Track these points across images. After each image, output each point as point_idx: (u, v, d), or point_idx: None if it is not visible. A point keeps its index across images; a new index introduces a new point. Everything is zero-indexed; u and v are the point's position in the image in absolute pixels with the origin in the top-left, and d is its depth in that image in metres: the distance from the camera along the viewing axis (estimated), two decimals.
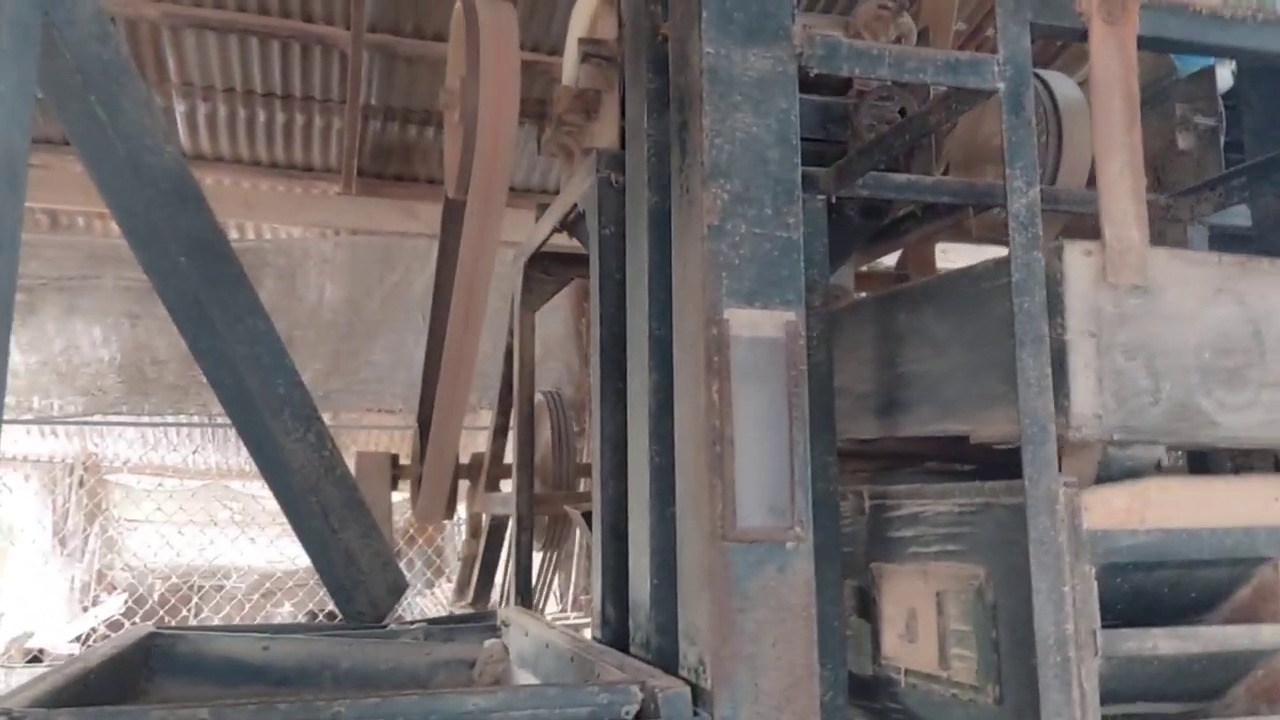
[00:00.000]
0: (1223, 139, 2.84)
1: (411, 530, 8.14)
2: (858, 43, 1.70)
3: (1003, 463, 2.60)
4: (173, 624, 7.77)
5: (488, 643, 2.41)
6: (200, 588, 8.89)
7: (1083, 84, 2.95)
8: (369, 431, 7.37)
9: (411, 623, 2.55)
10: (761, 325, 1.58)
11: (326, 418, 6.78)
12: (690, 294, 1.65)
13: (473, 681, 2.39)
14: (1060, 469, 1.70)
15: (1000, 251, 3.11)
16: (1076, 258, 1.73)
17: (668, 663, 1.71)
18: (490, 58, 2.39)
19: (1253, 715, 1.75)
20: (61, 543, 9.18)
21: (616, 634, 2.02)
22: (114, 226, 6.47)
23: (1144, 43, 1.87)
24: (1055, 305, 1.73)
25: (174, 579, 8.47)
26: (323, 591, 8.54)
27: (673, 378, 1.79)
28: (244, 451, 8.26)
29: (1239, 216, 2.61)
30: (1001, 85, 1.75)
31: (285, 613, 8.12)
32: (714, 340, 1.57)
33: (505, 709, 1.46)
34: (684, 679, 1.60)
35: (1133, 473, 1.75)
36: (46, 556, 9.23)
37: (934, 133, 2.42)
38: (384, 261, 6.59)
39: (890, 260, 3.89)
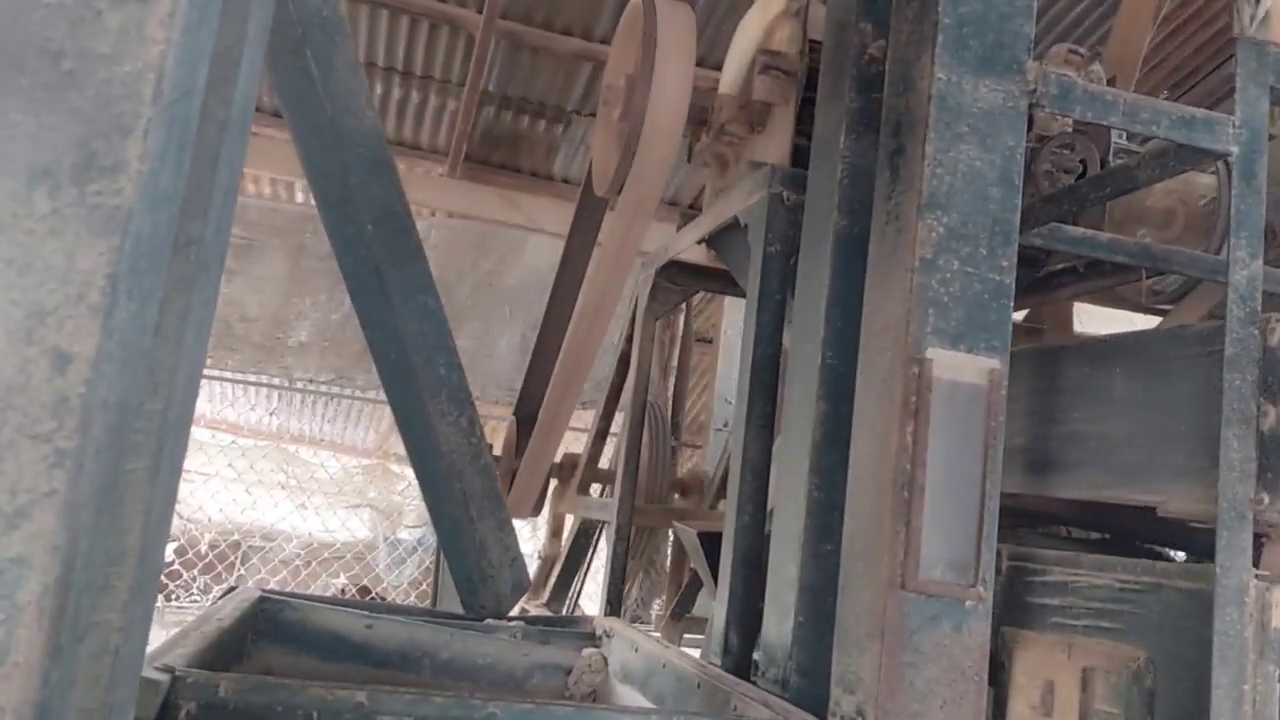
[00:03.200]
0: None
1: None
2: (1093, 86, 1.62)
3: (1134, 535, 2.49)
4: (228, 577, 7.85)
5: (586, 651, 2.35)
6: (257, 547, 8.98)
7: None
8: None
9: (510, 620, 2.50)
10: (964, 370, 1.51)
11: None
12: (888, 328, 1.58)
13: (568, 688, 2.33)
14: (1262, 558, 1.61)
15: (1149, 319, 2.99)
16: None
17: (809, 706, 1.63)
18: (666, 58, 2.34)
19: None
20: None
21: (738, 664, 1.95)
22: None
23: None
24: (1271, 384, 1.63)
25: (235, 536, 8.55)
26: (379, 568, 8.57)
27: (844, 410, 1.72)
28: (317, 418, 8.29)
29: None
30: (1235, 149, 1.66)
31: (338, 584, 8.17)
32: (913, 380, 1.49)
33: None
34: None
35: None
36: None
37: (1137, 187, 2.32)
38: (478, 248, 6.60)
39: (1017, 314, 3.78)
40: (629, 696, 2.19)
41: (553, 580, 3.69)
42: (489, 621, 2.46)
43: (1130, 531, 2.42)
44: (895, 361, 1.53)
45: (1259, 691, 1.56)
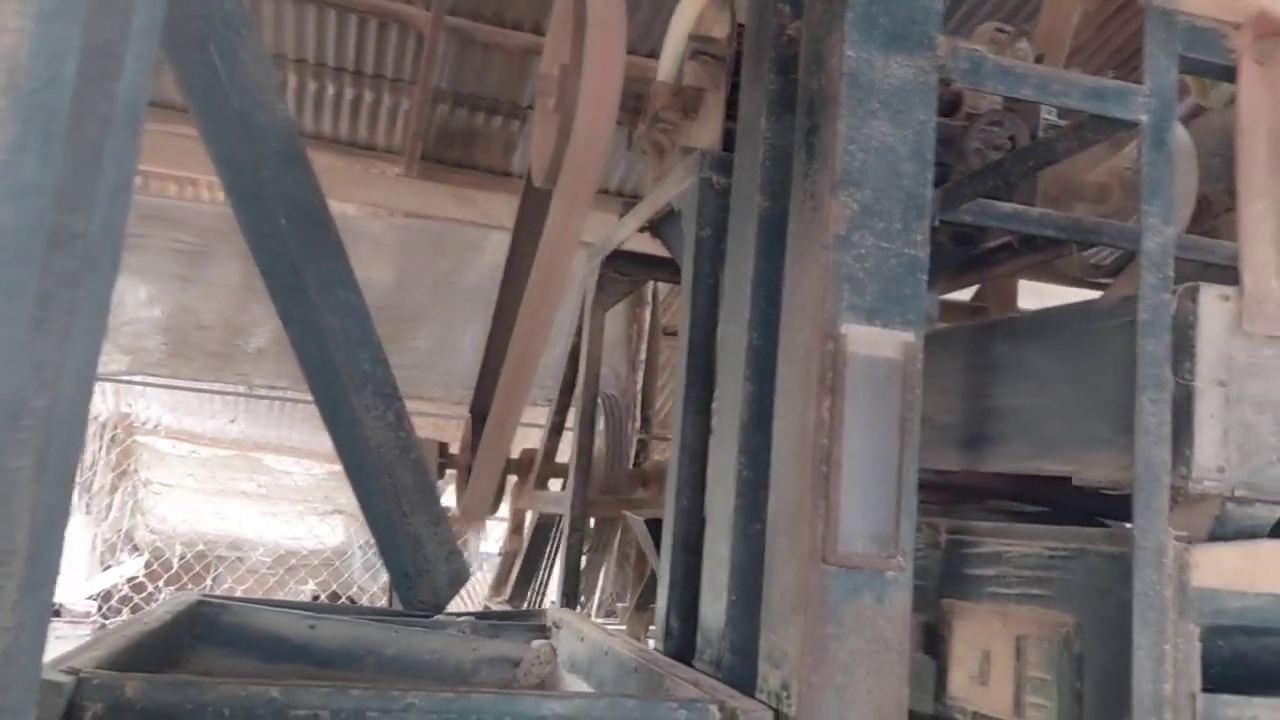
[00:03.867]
0: None
1: None
2: (1003, 59, 1.63)
3: (1076, 507, 2.51)
4: (193, 589, 7.78)
5: (535, 643, 2.35)
6: (223, 557, 8.92)
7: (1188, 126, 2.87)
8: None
9: (458, 615, 2.49)
10: (880, 344, 1.52)
11: None
12: (805, 306, 1.59)
13: (516, 680, 2.33)
14: (1175, 522, 1.63)
15: (1093, 294, 3.01)
16: (1212, 302, 1.65)
17: (740, 684, 1.64)
18: (597, 47, 2.33)
19: None
20: (87, 499, 9.23)
21: (680, 648, 1.96)
22: (168, 187, 6.50)
23: None
24: (1185, 350, 1.65)
25: (200, 546, 8.49)
26: (348, 573, 8.54)
27: (769, 390, 1.72)
28: (279, 425, 8.25)
29: None
30: (1145, 118, 1.68)
31: (307, 590, 8.11)
32: (829, 356, 1.50)
33: (582, 716, 1.39)
34: (762, 702, 1.53)
35: (1249, 532, 1.66)
36: (72, 511, 9.28)
37: (1056, 159, 2.34)
38: (436, 247, 6.56)
39: (965, 293, 3.81)
40: (575, 686, 2.19)
41: (514, 576, 3.69)
42: (438, 617, 2.46)
43: (1073, 504, 2.44)
44: (812, 339, 1.54)
45: (1180, 650, 1.58)
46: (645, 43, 5.32)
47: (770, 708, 1.50)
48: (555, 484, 3.58)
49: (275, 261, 1.61)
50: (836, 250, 1.53)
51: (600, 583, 5.04)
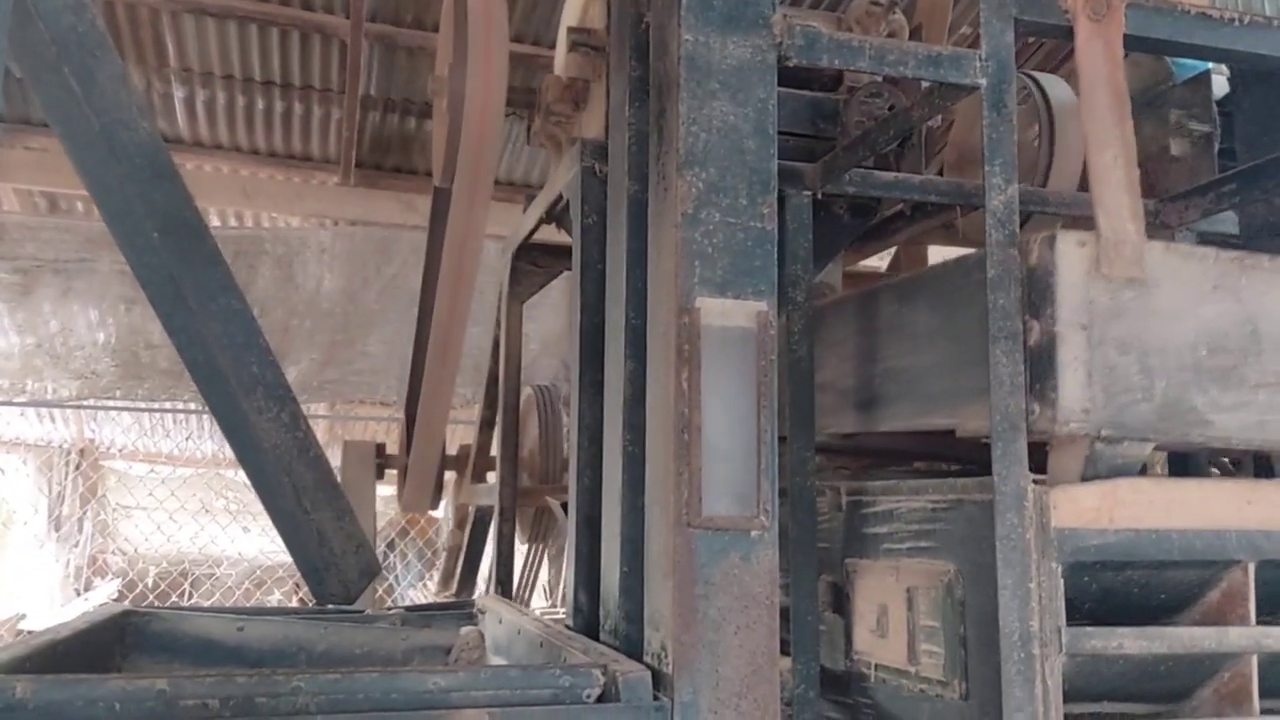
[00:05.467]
0: (1217, 146, 2.84)
1: (404, 523, 8.15)
2: (838, 34, 1.70)
3: (979, 462, 2.60)
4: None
5: (464, 629, 2.41)
6: (193, 575, 8.92)
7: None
8: (364, 423, 7.37)
9: (389, 609, 2.55)
10: (733, 315, 1.58)
11: (322, 408, 6.73)
12: (664, 282, 1.65)
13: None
14: (1048, 465, 1.70)
15: None
16: (1070, 248, 1.72)
17: (634, 649, 1.71)
18: (478, 43, 2.39)
19: (1219, 718, 1.75)
20: (56, 526, 9.20)
21: (588, 622, 2.02)
22: None
23: (1130, 42, 1.86)
24: (1046, 296, 1.71)
25: (166, 565, 8.50)
26: None
27: (647, 367, 1.79)
28: None
29: (1227, 224, 2.61)
30: (983, 81, 1.75)
31: (275, 601, 8.13)
32: (685, 329, 1.57)
33: (466, 688, 1.45)
34: (647, 664, 1.59)
35: (1120, 470, 1.74)
36: (41, 540, 9.26)
37: (917, 129, 2.42)
38: (381, 253, 6.59)
39: (881, 264, 3.90)
40: None
41: (459, 571, 3.75)
42: (369, 612, 2.52)
43: (977, 459, 2.52)
44: (670, 314, 1.60)
45: (1044, 588, 1.66)
46: (548, 33, 5.38)
47: (651, 668, 1.56)
48: (493, 477, 3.63)
49: (152, 274, 1.66)
50: (685, 228, 1.59)
51: (543, 573, 5.11)
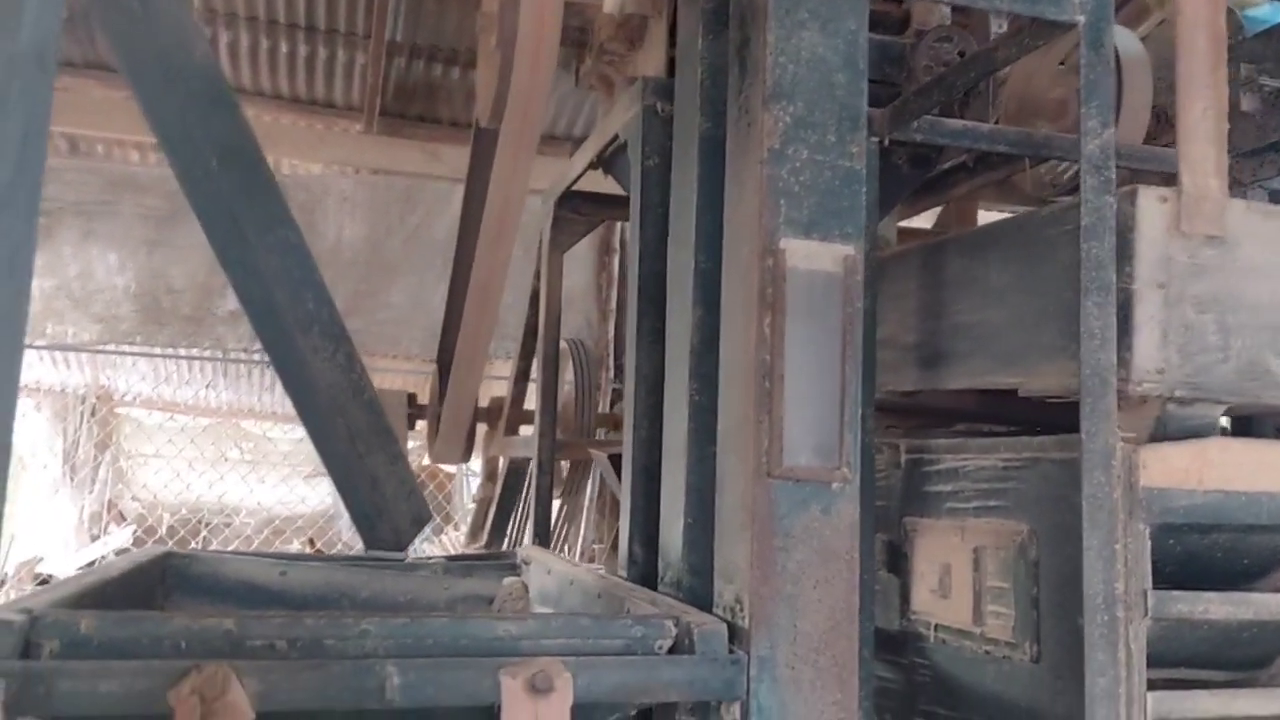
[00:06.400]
0: None
1: (422, 475, 8.14)
2: None
3: (1044, 425, 2.54)
4: None
5: (507, 580, 2.36)
6: (209, 523, 8.93)
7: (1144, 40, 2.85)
8: (385, 374, 7.32)
9: (430, 558, 2.51)
10: (819, 258, 1.51)
11: None
12: (745, 223, 1.58)
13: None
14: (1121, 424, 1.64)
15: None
16: (1151, 204, 1.66)
17: (700, 603, 1.66)
18: None
19: None
20: (72, 472, 9.21)
21: (644, 574, 1.97)
22: (133, 154, 6.41)
23: None
24: (1125, 253, 1.65)
25: (184, 513, 8.50)
26: (331, 532, 8.57)
27: (718, 313, 1.72)
28: (257, 389, 8.23)
29: None
30: (1082, 18, 1.66)
31: (293, 549, 8.15)
32: (769, 272, 1.50)
33: (536, 636, 1.41)
34: (719, 617, 1.54)
35: (1194, 432, 1.68)
36: (57, 485, 9.28)
37: (998, 72, 2.32)
38: (405, 202, 6.51)
39: (926, 222, 3.80)
40: None
41: (489, 523, 3.71)
42: (410, 560, 2.47)
43: (1040, 420, 2.46)
44: (751, 256, 1.53)
45: (1130, 550, 1.61)
46: None
47: (725, 621, 1.51)
48: (527, 430, 3.58)
49: (210, 204, 1.59)
50: (771, 165, 1.52)
51: (581, 529, 5.08)
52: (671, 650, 1.46)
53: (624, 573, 2.03)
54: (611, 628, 1.45)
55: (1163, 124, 2.87)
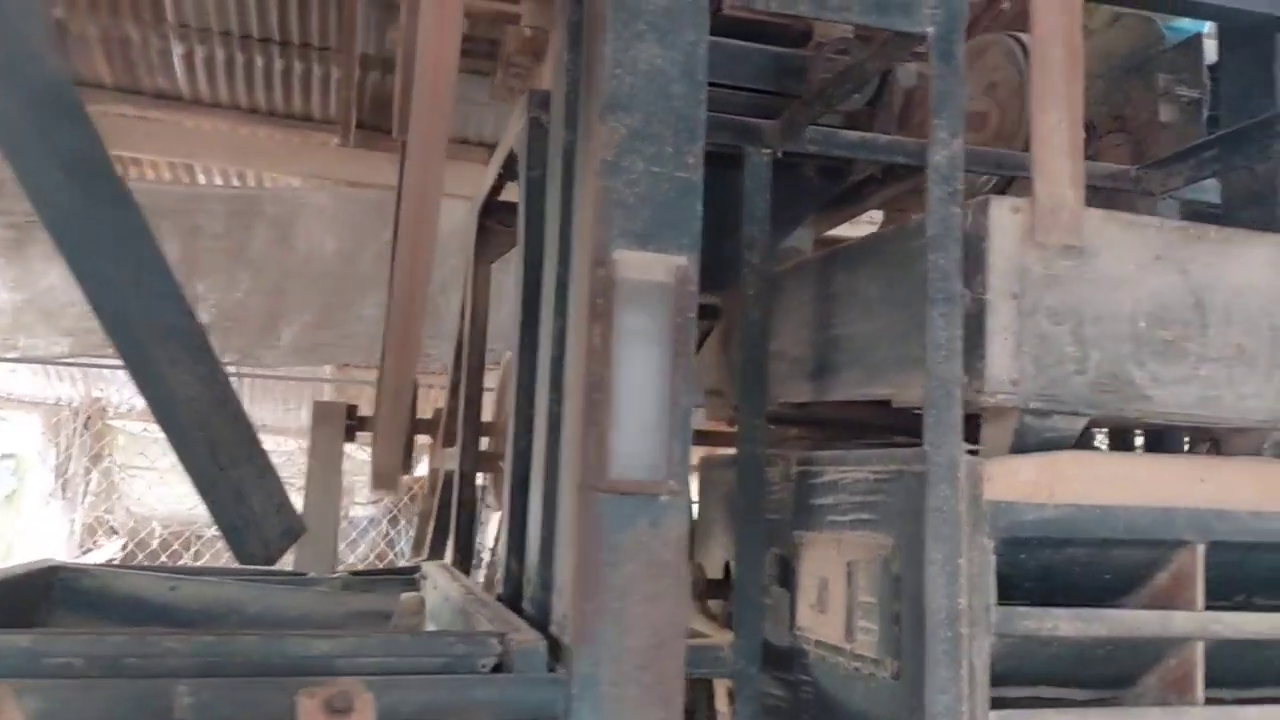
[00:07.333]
0: (1205, 112, 2.72)
1: (415, 488, 8.13)
2: None
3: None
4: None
5: (404, 595, 2.35)
6: (201, 536, 8.96)
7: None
8: (358, 386, 7.33)
9: (334, 574, 2.50)
10: (652, 269, 1.50)
11: (325, 371, 6.64)
12: (585, 234, 1.57)
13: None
14: (980, 438, 1.62)
15: None
16: (1003, 214, 1.63)
17: (547, 618, 1.64)
18: None
19: (1164, 705, 1.66)
20: (64, 485, 9.27)
21: (515, 589, 1.96)
22: None
23: None
24: (977, 264, 1.63)
25: (175, 526, 8.54)
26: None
27: None
28: (245, 403, 8.26)
29: (1211, 192, 2.49)
30: (931, 30, 1.65)
31: (285, 563, 8.16)
32: (600, 282, 1.49)
33: (353, 655, 1.39)
34: (551, 634, 1.53)
35: (1052, 445, 1.65)
36: (48, 498, 9.33)
37: (888, 88, 2.32)
38: (379, 216, 6.50)
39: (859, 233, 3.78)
40: None
41: (429, 536, 3.69)
42: (310, 575, 2.47)
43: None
44: (587, 266, 1.52)
45: (974, 564, 1.58)
46: None
47: (554, 638, 1.50)
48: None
49: (59, 216, 1.60)
50: (606, 176, 1.51)
51: None
52: (496, 669, 1.45)
53: (500, 589, 2.02)
54: (433, 645, 1.44)
55: (1086, 134, 2.85)
